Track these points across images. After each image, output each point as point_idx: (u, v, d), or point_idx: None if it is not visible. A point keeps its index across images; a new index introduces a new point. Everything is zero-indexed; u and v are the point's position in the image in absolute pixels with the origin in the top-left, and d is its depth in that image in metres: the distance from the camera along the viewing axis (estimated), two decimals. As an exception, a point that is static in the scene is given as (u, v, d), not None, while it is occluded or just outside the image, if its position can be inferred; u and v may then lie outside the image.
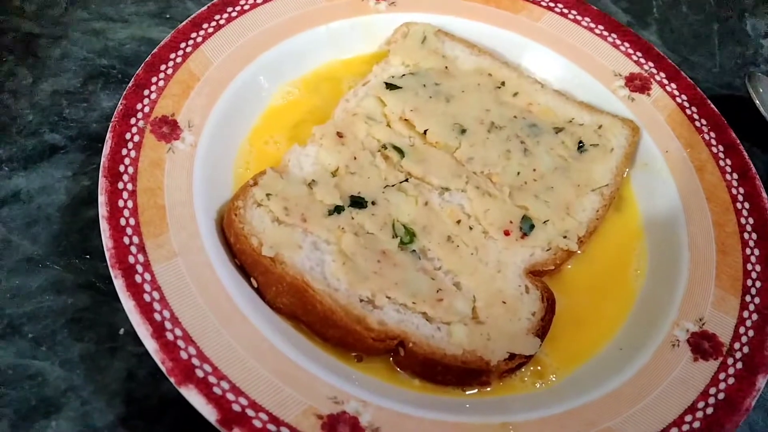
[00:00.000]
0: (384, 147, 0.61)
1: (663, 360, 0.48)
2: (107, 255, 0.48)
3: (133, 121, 0.57)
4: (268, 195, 0.54)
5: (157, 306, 0.46)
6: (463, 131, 0.63)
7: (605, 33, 0.69)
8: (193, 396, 0.41)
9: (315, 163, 0.60)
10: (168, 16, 0.65)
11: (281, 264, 0.50)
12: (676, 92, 0.65)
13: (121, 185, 0.54)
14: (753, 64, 0.72)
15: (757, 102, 0.67)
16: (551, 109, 0.66)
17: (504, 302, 0.53)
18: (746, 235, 0.54)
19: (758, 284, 0.49)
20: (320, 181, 0.58)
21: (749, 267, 0.52)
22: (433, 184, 0.59)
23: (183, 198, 0.55)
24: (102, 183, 0.52)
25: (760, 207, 0.53)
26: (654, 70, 0.67)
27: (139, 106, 0.58)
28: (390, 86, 0.64)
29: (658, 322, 0.53)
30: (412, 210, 0.59)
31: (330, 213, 0.55)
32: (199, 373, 0.43)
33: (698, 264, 0.55)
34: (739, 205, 0.56)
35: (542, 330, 0.50)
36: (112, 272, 0.47)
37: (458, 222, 0.58)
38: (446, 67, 0.68)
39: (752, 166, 0.55)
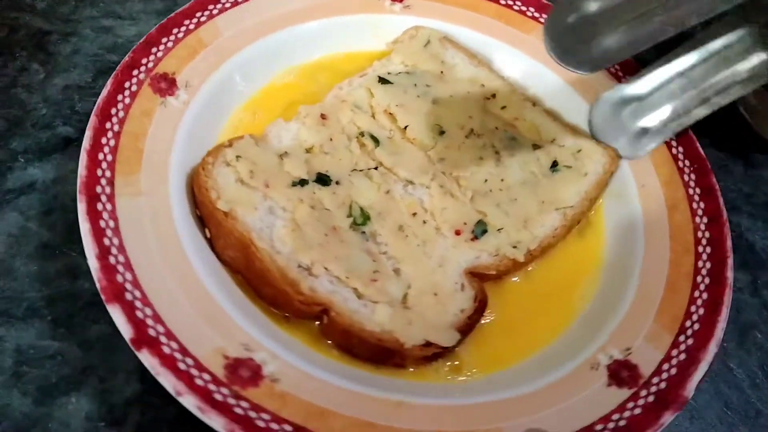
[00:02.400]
0: (362, 134, 0.61)
1: (576, 379, 0.47)
2: (78, 182, 0.50)
3: (135, 72, 0.59)
4: (238, 157, 0.55)
5: (109, 233, 0.48)
6: (442, 133, 0.62)
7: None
8: (116, 314, 0.44)
9: (293, 139, 0.60)
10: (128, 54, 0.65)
11: (233, 219, 0.52)
12: (675, 141, 0.61)
13: (108, 125, 0.56)
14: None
15: (737, 101, 0.67)
16: (536, 127, 0.64)
17: (436, 294, 0.52)
18: (699, 278, 0.54)
19: (696, 326, 0.51)
20: (292, 154, 0.58)
21: (693, 309, 0.52)
22: (399, 176, 0.58)
23: (162, 147, 0.56)
24: (92, 120, 0.54)
25: (720, 253, 0.55)
26: None
27: (144, 60, 0.60)
28: (382, 80, 0.65)
29: (586, 344, 0.52)
30: (373, 195, 0.58)
31: (294, 184, 0.56)
32: (128, 297, 0.46)
33: (643, 297, 0.53)
34: (701, 248, 0.56)
35: (466, 327, 0.50)
36: (78, 197, 0.49)
37: (414, 214, 0.57)
38: (442, 72, 0.68)
39: (724, 212, 0.57)
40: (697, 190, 0.59)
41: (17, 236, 0.55)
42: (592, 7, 0.58)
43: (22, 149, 0.61)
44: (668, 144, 0.60)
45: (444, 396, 0.48)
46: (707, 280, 0.53)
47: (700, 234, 0.57)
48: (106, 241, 0.49)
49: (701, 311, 0.51)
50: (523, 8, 0.73)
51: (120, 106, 0.58)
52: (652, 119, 0.67)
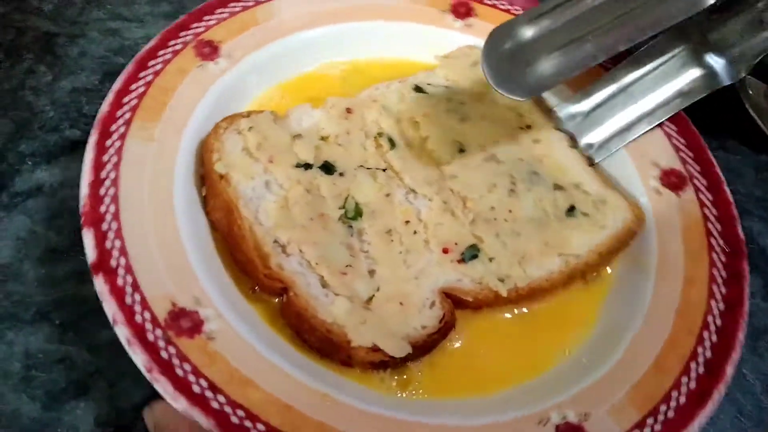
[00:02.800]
0: (380, 134, 0.62)
1: (518, 428, 0.47)
2: (97, 116, 0.55)
3: (182, 33, 0.64)
4: (251, 128, 0.59)
5: (108, 167, 0.54)
6: (461, 151, 0.63)
7: (666, 123, 0.68)
8: (88, 238, 0.48)
9: (313, 124, 0.62)
10: (181, 16, 0.69)
11: (226, 183, 0.55)
12: (708, 202, 0.63)
13: (142, 74, 0.60)
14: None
15: (747, 103, 0.70)
16: (563, 168, 0.65)
17: (402, 303, 0.53)
18: (693, 365, 0.52)
19: (671, 414, 0.49)
20: (306, 137, 0.60)
21: (674, 394, 0.51)
22: (404, 182, 0.60)
23: (187, 105, 0.60)
24: (129, 65, 0.59)
25: (727, 346, 0.53)
26: (696, 173, 0.65)
27: (195, 24, 0.64)
28: (417, 89, 0.66)
29: (544, 395, 0.51)
30: (372, 194, 0.59)
31: (298, 166, 0.58)
32: (104, 227, 0.49)
33: (624, 366, 0.52)
34: (706, 334, 0.53)
35: (423, 345, 0.51)
36: (92, 130, 0.54)
37: (407, 222, 0.57)
38: (482, 93, 0.69)
39: (746, 303, 0.55)
40: (723, 273, 0.57)
41: (25, 240, 0.58)
42: (527, 35, 0.60)
43: (29, 152, 0.64)
44: (705, 217, 0.61)
45: (372, 403, 0.48)
46: (702, 369, 0.51)
47: (710, 318, 0.54)
48: (103, 174, 0.53)
49: (682, 400, 0.49)
50: None
51: (160, 60, 0.62)
52: (596, 135, 0.69)
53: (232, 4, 0.65)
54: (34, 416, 0.48)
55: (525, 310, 0.56)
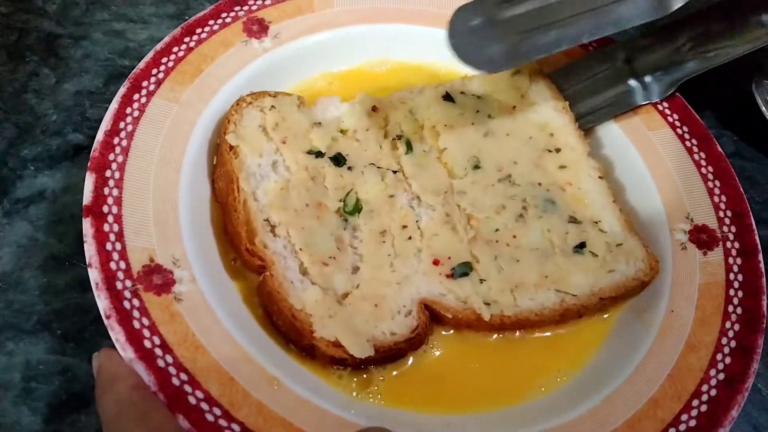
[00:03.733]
0: (399, 137, 0.65)
1: None
2: (133, 71, 0.60)
3: (237, 8, 0.68)
4: (273, 107, 0.63)
5: (128, 119, 0.57)
6: (476, 167, 0.65)
7: (710, 174, 0.68)
8: (88, 182, 0.54)
9: (336, 117, 0.64)
10: (186, 17, 0.77)
11: (234, 154, 0.59)
12: (736, 268, 0.62)
13: (187, 40, 0.65)
14: (759, 70, 0.76)
15: (764, 109, 0.71)
16: (585, 200, 0.65)
17: (376, 305, 0.55)
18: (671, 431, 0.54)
19: None
20: (325, 127, 0.63)
21: None
22: (411, 188, 0.62)
23: (221, 76, 0.65)
24: (176, 31, 0.65)
25: (714, 419, 0.52)
26: (731, 235, 0.64)
27: (251, 2, 0.69)
28: (446, 97, 0.69)
29: (503, 429, 0.53)
30: (375, 193, 0.60)
31: (309, 152, 0.61)
32: (107, 174, 0.53)
33: (594, 418, 0.52)
34: (695, 402, 0.52)
35: (387, 351, 0.53)
36: (125, 81, 0.59)
37: (404, 227, 0.59)
38: (514, 107, 0.70)
39: (750, 378, 0.55)
40: (732, 343, 0.58)
41: (26, 247, 0.62)
42: (495, 15, 0.59)
43: (31, 157, 0.67)
44: (729, 283, 0.60)
45: (320, 397, 0.51)
46: (692, 423, 0.52)
47: (705, 387, 0.55)
48: (121, 125, 0.58)
49: None
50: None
51: (207, 29, 0.67)
52: None
53: (292, -11, 0.86)
54: (35, 429, 0.53)
55: (517, 333, 0.59)
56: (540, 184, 0.66)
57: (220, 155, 0.61)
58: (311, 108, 0.66)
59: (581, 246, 0.61)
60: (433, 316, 0.58)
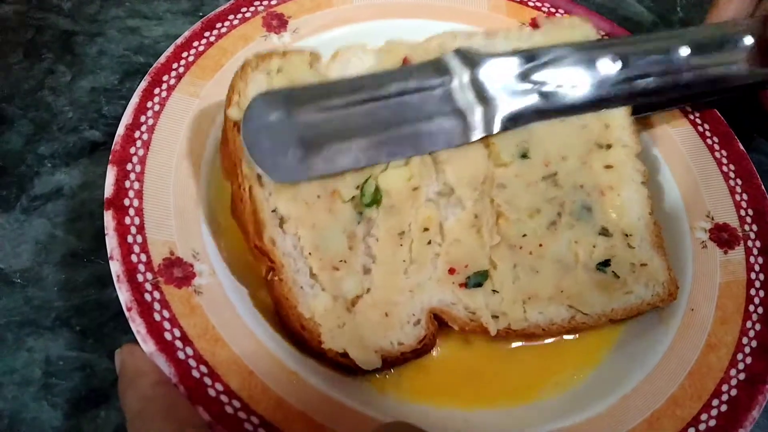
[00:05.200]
0: None
1: None
2: (153, 65, 0.61)
3: (256, 3, 0.69)
4: (280, 70, 0.58)
5: (149, 113, 0.58)
6: (524, 156, 0.59)
7: (731, 173, 0.67)
8: (110, 175, 0.54)
9: (357, 73, 0.61)
10: (201, 14, 0.81)
11: (237, 131, 0.54)
12: (757, 267, 0.62)
13: (207, 34, 0.66)
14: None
15: None
16: (623, 209, 0.62)
17: (387, 315, 0.54)
18: (691, 430, 0.51)
19: None
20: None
21: None
22: (445, 174, 0.57)
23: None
24: (197, 24, 0.66)
25: (735, 419, 0.52)
26: (752, 234, 0.64)
27: None
28: None
29: (517, 428, 0.53)
30: (398, 183, 0.55)
31: None
32: (128, 167, 0.54)
33: (613, 415, 0.52)
34: (715, 402, 0.52)
35: (394, 361, 0.53)
36: (146, 77, 0.60)
37: (425, 230, 0.56)
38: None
39: None
40: (754, 343, 0.57)
41: (45, 244, 0.63)
42: (298, 113, 0.55)
43: (49, 154, 0.69)
44: (749, 283, 0.60)
45: (341, 393, 0.50)
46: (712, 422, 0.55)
47: (725, 387, 0.55)
48: (142, 119, 0.59)
49: None
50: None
51: (227, 24, 0.67)
52: None
53: (310, -15, 0.87)
54: (55, 425, 0.54)
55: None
56: (582, 186, 0.62)
57: (224, 131, 0.58)
58: (331, 63, 0.60)
59: (605, 264, 0.59)
60: (440, 323, 0.57)
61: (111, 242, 0.53)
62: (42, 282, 0.61)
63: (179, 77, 0.63)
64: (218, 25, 0.69)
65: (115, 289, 0.54)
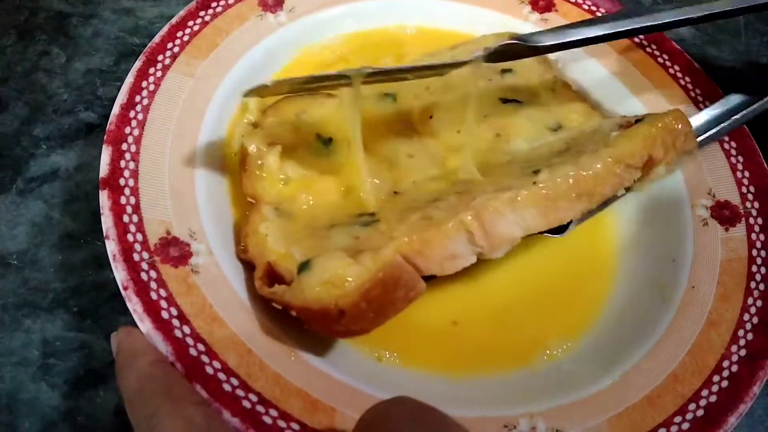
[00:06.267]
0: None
1: (480, 429, 0.49)
2: (148, 45, 0.61)
3: None
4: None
5: (144, 93, 0.58)
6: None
7: (732, 150, 0.67)
8: (104, 155, 0.54)
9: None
10: None
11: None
12: (759, 244, 0.61)
13: (202, 14, 0.65)
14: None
15: None
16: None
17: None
18: (692, 406, 0.51)
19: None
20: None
21: (662, 431, 0.52)
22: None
23: (237, 50, 0.65)
24: (191, 4, 0.66)
25: (735, 396, 0.52)
26: (754, 211, 0.64)
27: None
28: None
29: (517, 399, 0.51)
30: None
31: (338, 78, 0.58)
32: (123, 147, 0.55)
33: (613, 394, 0.51)
34: (716, 378, 0.52)
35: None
36: (140, 56, 0.60)
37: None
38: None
39: None
40: (755, 319, 0.57)
41: (41, 225, 0.63)
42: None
43: (44, 136, 0.69)
44: (751, 259, 0.60)
45: (339, 370, 0.51)
46: (701, 413, 0.52)
47: (726, 363, 0.55)
48: (137, 98, 0.59)
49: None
50: (668, 63, 0.73)
51: (222, 3, 0.68)
52: None
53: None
54: (54, 404, 0.55)
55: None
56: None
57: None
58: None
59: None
60: None
61: (106, 222, 0.54)
62: (39, 263, 0.61)
63: (174, 57, 0.64)
64: (213, 4, 0.69)
65: (111, 270, 0.54)
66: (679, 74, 0.75)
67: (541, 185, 0.49)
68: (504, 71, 0.71)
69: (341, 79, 0.56)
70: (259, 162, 0.60)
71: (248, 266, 0.57)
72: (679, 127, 0.59)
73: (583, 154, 0.54)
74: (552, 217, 0.52)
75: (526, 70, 0.72)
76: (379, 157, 0.62)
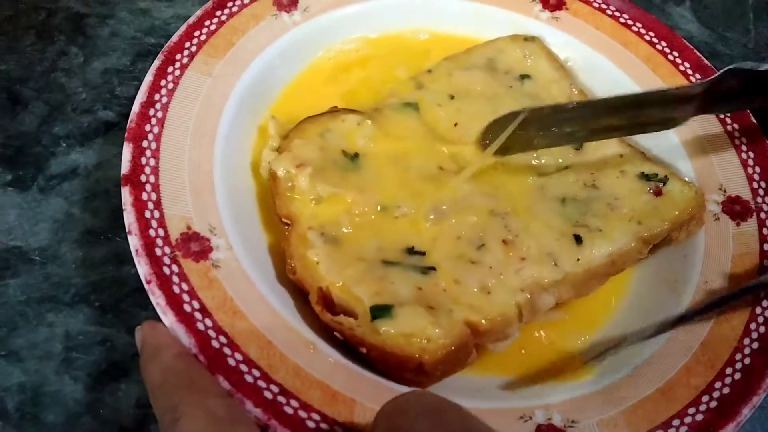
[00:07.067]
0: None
1: (496, 419, 0.48)
2: (166, 46, 0.62)
3: None
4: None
5: (163, 92, 0.59)
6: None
7: (743, 146, 0.67)
8: (126, 152, 0.56)
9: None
10: None
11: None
12: None
13: (218, 13, 0.66)
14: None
15: None
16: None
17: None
18: (705, 398, 0.51)
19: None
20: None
21: (676, 422, 0.50)
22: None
23: (253, 49, 0.65)
24: (207, 4, 0.67)
25: (748, 388, 0.51)
26: (765, 206, 0.63)
27: None
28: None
29: (533, 391, 0.52)
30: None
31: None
32: (144, 144, 0.56)
33: (626, 386, 0.52)
34: (729, 370, 0.52)
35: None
36: (159, 55, 0.61)
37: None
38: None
39: None
40: (767, 313, 0.57)
41: (62, 222, 0.64)
42: None
43: (63, 134, 0.70)
44: (762, 252, 0.60)
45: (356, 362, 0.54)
46: (714, 404, 0.53)
47: (738, 356, 0.55)
48: (156, 97, 0.61)
49: (683, 430, 0.51)
50: (678, 60, 0.74)
51: (237, 3, 0.69)
52: None
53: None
54: (77, 397, 0.56)
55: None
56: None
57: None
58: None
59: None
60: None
61: (129, 217, 0.55)
62: (60, 259, 0.62)
63: (192, 56, 0.65)
64: (229, 4, 0.70)
65: (132, 265, 0.55)
66: (689, 71, 0.74)
67: (581, 262, 0.55)
68: (522, 77, 0.71)
69: None
70: (290, 184, 0.61)
71: (274, 260, 0.57)
72: (698, 213, 0.62)
73: (613, 207, 0.58)
74: (582, 291, 0.59)
75: (543, 77, 0.72)
76: (410, 175, 0.61)
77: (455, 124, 0.66)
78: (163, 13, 0.82)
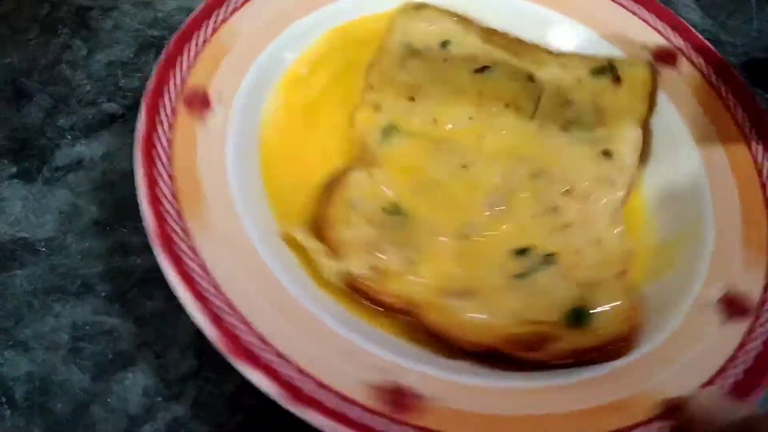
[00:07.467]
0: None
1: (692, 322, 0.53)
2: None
3: None
4: None
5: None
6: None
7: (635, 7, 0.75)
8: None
9: None
10: None
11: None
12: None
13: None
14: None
15: None
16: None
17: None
18: None
19: None
20: None
21: None
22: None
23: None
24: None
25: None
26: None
27: None
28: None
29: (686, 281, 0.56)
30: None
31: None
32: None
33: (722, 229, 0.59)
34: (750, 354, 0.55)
35: None
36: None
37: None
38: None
39: None
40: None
41: (67, 213, 0.64)
42: None
43: (68, 126, 0.69)
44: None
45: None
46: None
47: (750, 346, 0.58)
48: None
49: None
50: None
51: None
52: None
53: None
54: (84, 386, 0.56)
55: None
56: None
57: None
58: None
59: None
60: None
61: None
62: (66, 250, 0.62)
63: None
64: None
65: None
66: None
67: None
68: (444, 43, 0.67)
69: None
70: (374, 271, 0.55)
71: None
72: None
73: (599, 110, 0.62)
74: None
75: (458, 36, 0.69)
76: (449, 191, 0.59)
77: (434, 120, 0.64)
78: (166, 5, 0.81)
